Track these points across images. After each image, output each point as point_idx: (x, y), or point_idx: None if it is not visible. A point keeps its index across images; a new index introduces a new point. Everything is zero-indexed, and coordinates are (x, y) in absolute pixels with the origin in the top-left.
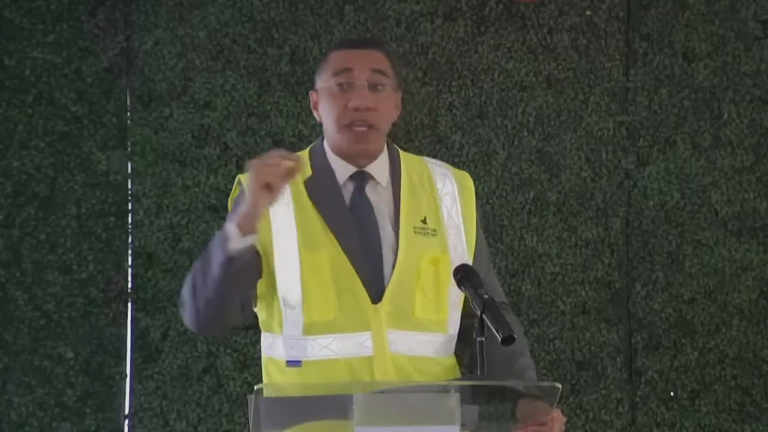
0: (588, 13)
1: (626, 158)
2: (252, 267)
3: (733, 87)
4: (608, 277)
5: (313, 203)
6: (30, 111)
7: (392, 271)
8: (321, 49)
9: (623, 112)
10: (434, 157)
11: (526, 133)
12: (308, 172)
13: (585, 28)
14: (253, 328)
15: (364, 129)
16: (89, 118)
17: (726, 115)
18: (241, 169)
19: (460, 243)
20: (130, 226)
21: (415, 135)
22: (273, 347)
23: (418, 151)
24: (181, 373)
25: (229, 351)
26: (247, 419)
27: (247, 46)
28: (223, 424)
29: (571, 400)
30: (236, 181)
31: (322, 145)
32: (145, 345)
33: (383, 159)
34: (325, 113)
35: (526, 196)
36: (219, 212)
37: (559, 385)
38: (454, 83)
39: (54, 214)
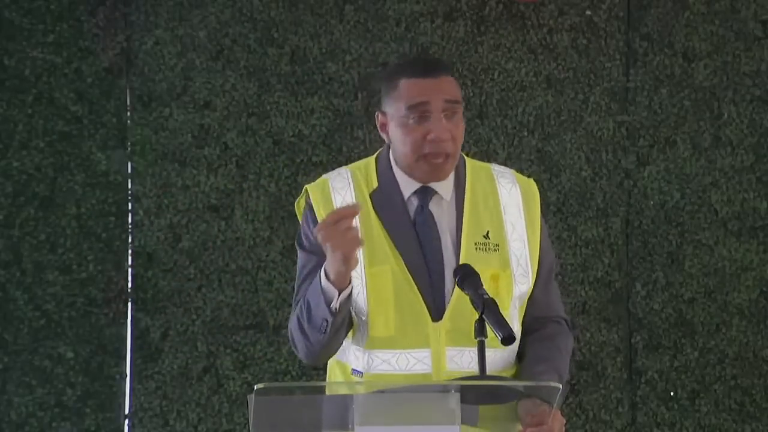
0: (588, 13)
1: (626, 158)
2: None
3: (733, 87)
4: (608, 277)
5: (378, 216)
6: (30, 111)
7: (453, 290)
8: (321, 49)
9: (623, 112)
10: None
11: (526, 133)
12: (374, 183)
13: (585, 28)
14: (253, 329)
15: (441, 161)
16: (89, 118)
17: (726, 115)
18: (241, 169)
19: (524, 255)
20: (130, 226)
21: None
22: (344, 352)
23: None
24: (181, 373)
25: (229, 351)
26: (247, 419)
27: (247, 46)
28: (223, 424)
29: (571, 400)
30: (303, 191)
31: (388, 157)
32: (145, 345)
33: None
34: (399, 140)
35: None
36: (219, 212)
37: (560, 385)
38: None
39: (54, 214)
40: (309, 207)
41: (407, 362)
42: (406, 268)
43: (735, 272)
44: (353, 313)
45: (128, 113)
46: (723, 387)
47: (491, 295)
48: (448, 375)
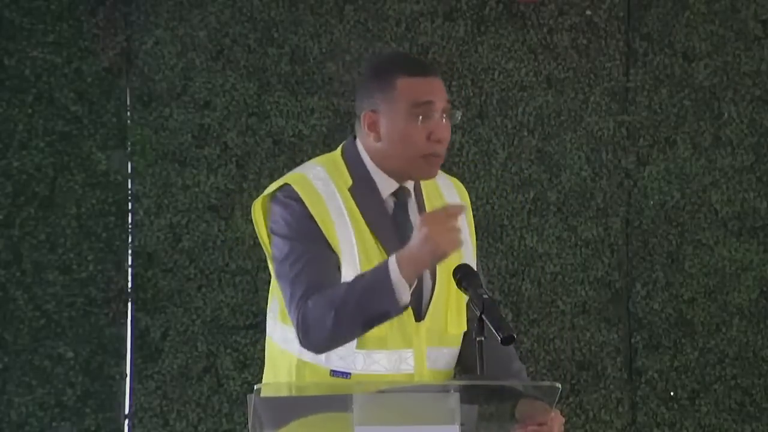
0: (588, 13)
1: (626, 158)
2: None
3: (733, 87)
4: (608, 277)
5: (361, 215)
6: (30, 111)
7: (432, 289)
8: (321, 49)
9: (623, 112)
10: None
11: (526, 133)
12: (348, 180)
13: (585, 28)
14: (253, 329)
15: (439, 159)
16: (89, 118)
17: (726, 115)
18: (241, 169)
19: (469, 252)
20: (130, 226)
21: None
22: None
23: None
24: (181, 373)
25: (229, 351)
26: (247, 419)
27: (247, 46)
28: (223, 424)
29: (571, 400)
30: (278, 186)
31: (358, 152)
32: (145, 345)
33: None
34: (397, 139)
35: (526, 196)
36: (219, 212)
37: (559, 385)
38: (454, 83)
39: (54, 214)
40: (295, 199)
41: (396, 362)
42: None
43: (735, 272)
44: None
45: (128, 113)
46: (723, 387)
47: (455, 293)
48: (428, 374)
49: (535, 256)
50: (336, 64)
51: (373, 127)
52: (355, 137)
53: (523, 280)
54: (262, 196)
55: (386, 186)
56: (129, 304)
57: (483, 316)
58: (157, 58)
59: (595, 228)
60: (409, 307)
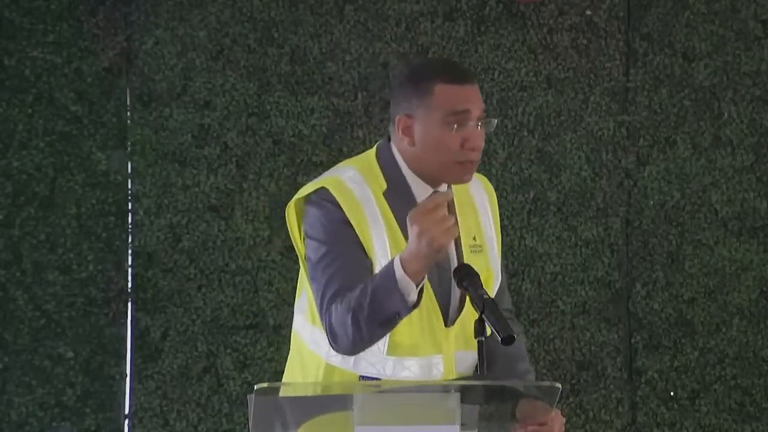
0: (588, 13)
1: (626, 158)
2: None
3: (733, 87)
4: (608, 277)
5: (395, 220)
6: (30, 111)
7: (462, 296)
8: (321, 49)
9: (623, 112)
10: None
11: (526, 133)
12: (383, 184)
13: (585, 28)
14: (253, 329)
15: (473, 166)
16: (89, 118)
17: (726, 115)
18: (241, 169)
19: (494, 254)
20: (130, 226)
21: None
22: (344, 358)
23: None
24: (181, 373)
25: (229, 351)
26: (247, 419)
27: (247, 46)
28: (223, 424)
29: (571, 400)
30: (313, 190)
31: (393, 155)
32: (145, 345)
33: None
34: (432, 145)
35: (526, 196)
36: (219, 212)
37: (559, 385)
38: None
39: (54, 214)
40: (331, 202)
41: (427, 368)
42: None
43: (735, 272)
44: None
45: (128, 113)
46: (723, 387)
47: None
48: (457, 378)
49: (535, 256)
50: (336, 64)
51: (407, 131)
52: (389, 139)
53: (523, 280)
54: (295, 198)
55: (421, 191)
56: (129, 304)
57: (483, 316)
58: (157, 58)
59: (595, 228)
60: (440, 313)
